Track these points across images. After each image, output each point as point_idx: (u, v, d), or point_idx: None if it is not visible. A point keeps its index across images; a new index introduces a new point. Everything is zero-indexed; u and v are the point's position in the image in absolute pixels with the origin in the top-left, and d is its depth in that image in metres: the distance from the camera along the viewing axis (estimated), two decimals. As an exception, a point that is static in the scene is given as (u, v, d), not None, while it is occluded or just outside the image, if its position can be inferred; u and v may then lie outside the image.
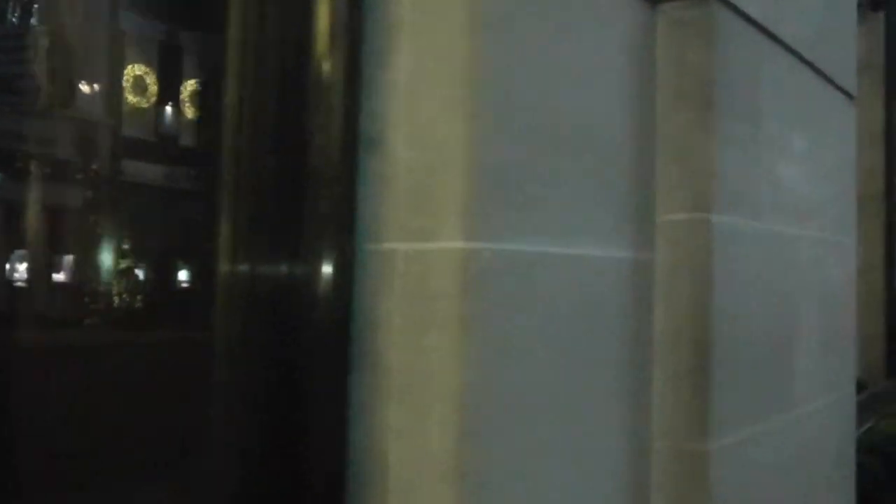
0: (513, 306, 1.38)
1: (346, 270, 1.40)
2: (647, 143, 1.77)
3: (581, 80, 1.57)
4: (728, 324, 1.82)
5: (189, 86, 4.62)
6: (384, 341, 1.38)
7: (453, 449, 1.31)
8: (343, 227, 1.40)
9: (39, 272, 3.44)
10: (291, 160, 1.40)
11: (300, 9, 1.40)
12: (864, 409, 4.96)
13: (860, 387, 6.04)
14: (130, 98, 5.36)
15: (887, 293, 6.27)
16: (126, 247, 3.81)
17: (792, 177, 2.26)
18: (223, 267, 1.40)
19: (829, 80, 2.59)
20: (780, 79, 2.20)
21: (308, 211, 1.40)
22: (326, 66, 1.41)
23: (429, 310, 1.34)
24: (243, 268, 1.39)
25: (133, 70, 5.38)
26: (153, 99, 5.38)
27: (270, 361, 1.38)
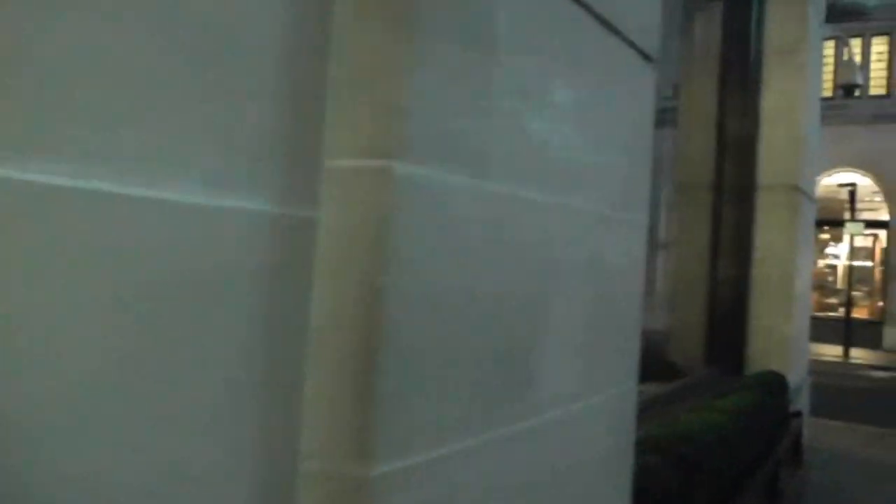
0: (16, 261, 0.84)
1: None
2: (315, 61, 1.24)
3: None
4: (416, 309, 1.31)
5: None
6: None
7: None
8: None
9: None
10: None
11: None
12: (674, 399, 4.59)
13: (678, 374, 5.70)
14: None
15: (710, 282, 5.93)
16: None
17: (551, 132, 1.77)
18: None
19: (619, 34, 2.12)
20: (538, 12, 1.70)
21: None
22: None
23: None
24: None
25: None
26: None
27: None
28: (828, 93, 19.46)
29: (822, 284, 21.84)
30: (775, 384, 5.25)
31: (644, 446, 3.00)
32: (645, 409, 4.05)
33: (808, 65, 6.06)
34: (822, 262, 22.05)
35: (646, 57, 2.33)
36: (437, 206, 1.35)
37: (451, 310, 1.41)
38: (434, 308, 1.35)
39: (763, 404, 4.46)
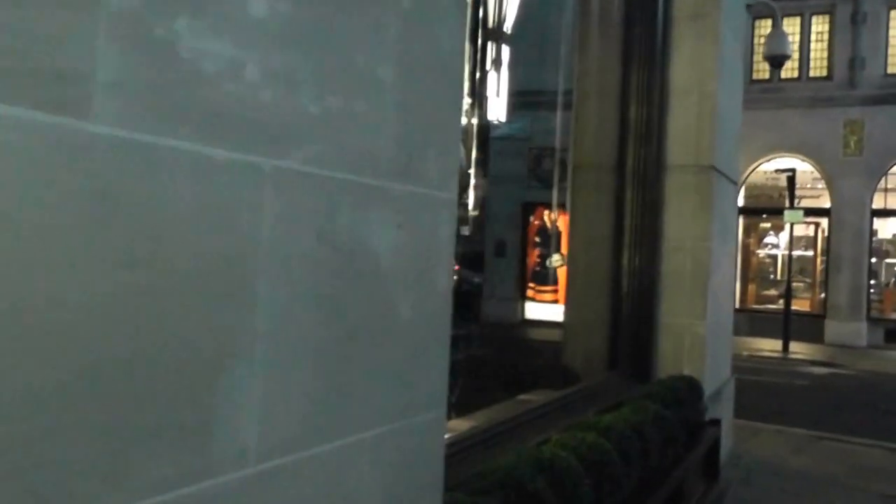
0: None
1: None
2: None
3: None
4: None
5: None
6: None
7: None
8: None
9: None
10: None
11: None
12: (553, 414, 4.12)
13: (573, 380, 5.22)
14: None
15: (613, 276, 5.46)
16: None
17: (238, 56, 1.25)
18: None
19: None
20: None
21: None
22: None
23: None
24: None
25: None
26: None
27: None
28: (765, 75, 19.32)
29: (761, 276, 21.68)
30: (685, 391, 4.80)
31: (483, 482, 2.50)
32: (512, 429, 3.57)
33: (722, 31, 5.61)
34: (761, 253, 21.89)
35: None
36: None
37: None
38: None
39: (662, 417, 3.99)
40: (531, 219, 18.92)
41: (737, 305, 20.54)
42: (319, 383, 1.45)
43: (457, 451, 2.98)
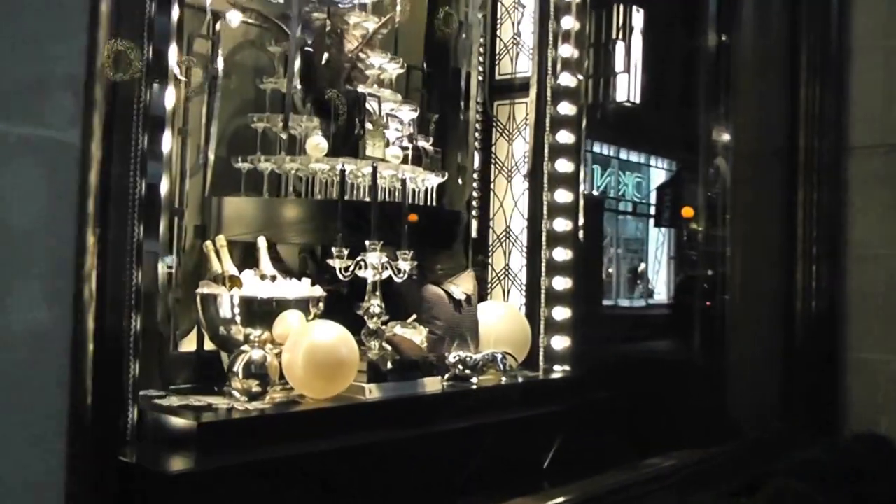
0: None
1: None
2: None
3: None
4: None
5: None
6: None
7: None
8: None
9: None
10: None
11: None
12: (663, 493, 3.03)
13: (735, 433, 4.02)
14: None
15: (783, 296, 4.24)
16: None
17: None
18: None
19: None
20: None
21: None
22: None
23: None
24: None
25: None
26: None
27: None
28: None
29: None
30: (865, 456, 3.50)
31: None
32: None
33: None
34: None
35: None
36: None
37: None
38: None
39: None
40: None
41: None
42: None
43: None
